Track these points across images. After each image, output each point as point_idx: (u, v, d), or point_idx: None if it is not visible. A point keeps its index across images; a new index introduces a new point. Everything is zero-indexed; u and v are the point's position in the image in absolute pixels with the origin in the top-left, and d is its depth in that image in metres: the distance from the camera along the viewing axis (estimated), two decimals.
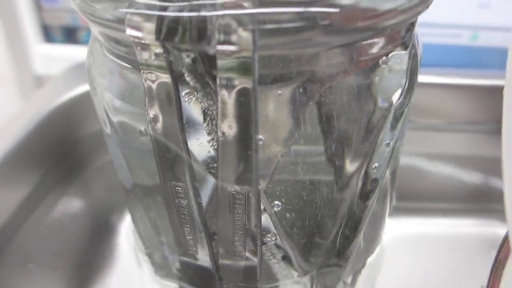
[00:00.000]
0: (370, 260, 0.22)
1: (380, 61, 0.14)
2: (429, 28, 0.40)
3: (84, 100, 0.28)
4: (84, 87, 0.28)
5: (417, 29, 0.17)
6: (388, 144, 0.16)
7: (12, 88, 0.56)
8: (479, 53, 0.42)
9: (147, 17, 0.12)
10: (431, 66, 0.37)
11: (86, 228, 0.25)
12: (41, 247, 0.24)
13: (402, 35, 0.14)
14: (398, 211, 0.27)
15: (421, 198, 0.29)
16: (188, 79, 0.14)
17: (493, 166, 0.28)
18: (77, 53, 0.52)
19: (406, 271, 0.24)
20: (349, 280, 0.20)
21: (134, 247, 0.23)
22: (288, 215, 0.18)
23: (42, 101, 0.27)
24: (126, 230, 0.25)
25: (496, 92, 0.24)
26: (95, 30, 0.16)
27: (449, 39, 0.42)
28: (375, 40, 0.13)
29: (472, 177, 0.29)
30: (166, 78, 0.14)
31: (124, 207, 0.26)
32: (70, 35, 0.54)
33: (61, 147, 0.27)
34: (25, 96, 0.56)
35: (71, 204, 0.26)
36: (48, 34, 0.54)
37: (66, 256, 0.23)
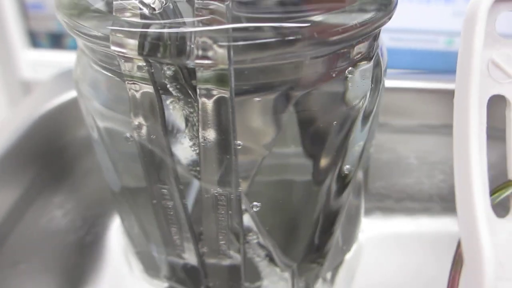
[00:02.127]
0: (348, 257, 0.23)
1: (347, 71, 0.15)
2: (407, 34, 0.42)
3: (72, 106, 0.29)
4: (72, 93, 0.29)
5: (382, 40, 0.18)
6: (359, 145, 0.17)
7: (1, 93, 0.56)
8: (454, 58, 0.44)
9: (130, 34, 0.13)
10: (408, 69, 0.39)
11: (76, 229, 0.26)
12: (32, 248, 0.24)
13: (367, 46, 0.16)
14: (374, 211, 0.28)
15: (397, 199, 0.30)
16: (170, 89, 0.15)
17: None
18: (63, 58, 0.53)
19: (384, 268, 0.25)
20: (328, 276, 0.22)
21: (124, 248, 0.24)
22: (268, 214, 0.19)
23: (31, 107, 0.28)
24: (115, 231, 0.26)
25: None
26: (81, 43, 0.17)
27: (426, 44, 0.44)
28: (343, 51, 0.14)
29: (445, 178, 0.30)
30: (149, 88, 0.15)
31: (113, 209, 0.27)
32: (56, 41, 0.55)
33: (49, 151, 0.27)
34: (12, 101, 0.57)
35: (60, 206, 0.27)
36: (34, 40, 0.55)
37: (57, 257, 0.24)
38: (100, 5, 0.16)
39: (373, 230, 0.27)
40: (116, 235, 0.26)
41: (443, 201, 0.29)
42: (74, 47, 0.59)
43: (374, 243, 0.26)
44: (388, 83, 0.19)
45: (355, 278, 0.23)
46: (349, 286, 0.22)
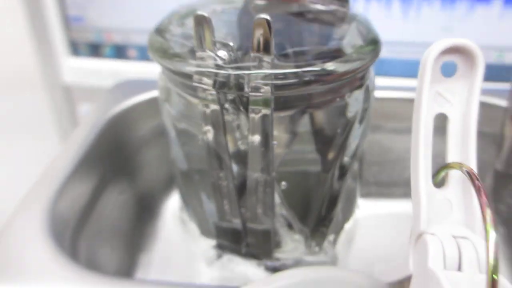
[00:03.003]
0: (347, 226, 0.30)
1: (346, 96, 0.23)
2: (403, 47, 0.49)
3: (131, 111, 0.36)
4: (129, 101, 0.36)
5: (371, 70, 0.25)
6: (355, 143, 0.25)
7: (42, 95, 0.64)
8: (444, 67, 0.51)
9: (208, 76, 0.21)
10: (403, 78, 0.46)
11: (138, 206, 0.34)
12: (107, 221, 0.32)
13: (360, 79, 0.23)
14: (369, 195, 0.36)
15: (387, 185, 0.38)
16: (229, 108, 0.22)
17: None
18: (100, 65, 0.60)
19: (374, 235, 0.32)
20: (332, 239, 0.29)
21: (180, 218, 0.31)
22: (290, 193, 0.27)
23: (100, 113, 0.35)
24: (167, 209, 0.34)
25: None
26: (166, 74, 0.25)
27: (419, 56, 0.51)
28: (344, 84, 0.22)
29: None
30: (216, 107, 0.22)
31: (166, 191, 0.34)
32: (94, 50, 0.62)
33: (115, 148, 0.35)
34: (54, 102, 0.64)
35: (123, 190, 0.35)
36: (75, 49, 0.62)
37: (128, 227, 0.32)
38: (180, 48, 0.23)
39: (368, 208, 0.35)
40: (168, 211, 0.34)
41: None
42: (109, 55, 0.67)
43: (368, 217, 0.34)
44: (383, 93, 0.26)
45: (352, 241, 0.31)
46: (348, 247, 0.30)
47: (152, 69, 0.60)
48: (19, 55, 0.64)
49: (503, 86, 0.35)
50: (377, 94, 0.27)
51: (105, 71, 0.60)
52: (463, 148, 0.20)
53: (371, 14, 0.48)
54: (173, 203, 0.35)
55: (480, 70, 0.20)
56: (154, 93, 0.36)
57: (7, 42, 0.72)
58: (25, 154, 0.80)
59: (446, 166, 0.19)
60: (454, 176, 0.19)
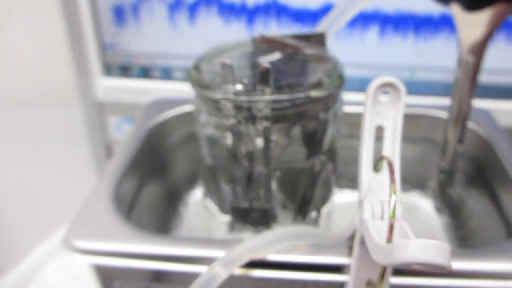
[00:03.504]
0: (325, 207, 0.41)
1: (320, 111, 0.34)
2: (381, 69, 0.60)
3: (163, 123, 0.47)
4: (162, 116, 0.47)
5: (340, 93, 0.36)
6: (328, 143, 0.36)
7: (79, 109, 0.74)
8: (416, 86, 0.62)
9: (230, 100, 0.32)
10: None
11: (169, 194, 0.45)
12: (147, 207, 0.43)
13: (332, 101, 0.34)
14: (344, 186, 0.47)
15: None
16: (242, 121, 0.33)
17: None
18: (129, 84, 0.70)
19: (346, 216, 0.43)
20: (314, 216, 0.40)
21: (203, 203, 0.42)
22: (282, 181, 0.38)
23: (140, 125, 0.46)
24: (193, 197, 0.45)
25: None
26: (200, 99, 0.36)
27: (395, 74, 0.62)
28: (320, 104, 0.33)
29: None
30: (234, 121, 0.33)
31: (190, 183, 0.45)
32: (124, 71, 0.72)
33: (152, 152, 0.46)
34: (89, 116, 0.74)
35: (158, 183, 0.46)
36: (108, 70, 0.72)
37: (163, 208, 0.43)
38: (210, 81, 0.35)
39: (343, 196, 0.46)
40: (192, 199, 0.45)
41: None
42: (137, 75, 0.79)
43: (342, 204, 0.45)
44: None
45: (329, 219, 0.41)
46: (327, 223, 0.41)
47: (172, 87, 0.73)
48: (62, 75, 0.75)
49: (445, 101, 0.46)
50: (355, 108, 0.38)
51: (133, 88, 0.70)
52: (393, 147, 0.31)
53: (356, 40, 0.58)
54: (195, 193, 0.46)
55: (403, 97, 0.30)
56: (180, 110, 0.48)
57: (52, 64, 0.83)
58: (62, 158, 0.92)
59: (379, 159, 0.30)
60: (386, 165, 0.30)
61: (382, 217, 0.27)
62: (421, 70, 0.60)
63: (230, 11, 0.62)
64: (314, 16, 0.59)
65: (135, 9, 0.63)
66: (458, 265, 0.29)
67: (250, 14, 0.62)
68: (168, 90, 0.66)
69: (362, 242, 0.27)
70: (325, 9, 0.58)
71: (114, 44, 0.66)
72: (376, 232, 0.25)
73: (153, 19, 0.64)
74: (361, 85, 0.61)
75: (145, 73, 0.69)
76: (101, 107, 0.71)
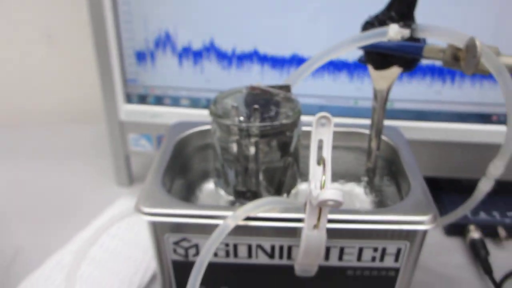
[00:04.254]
0: (293, 190, 0.65)
1: (287, 131, 0.58)
2: (333, 100, 0.84)
3: (184, 139, 0.70)
4: (184, 133, 0.70)
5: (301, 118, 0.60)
6: (294, 147, 0.60)
7: (106, 127, 0.95)
8: (359, 111, 0.86)
9: (235, 125, 0.55)
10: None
11: (190, 186, 0.67)
12: (178, 190, 0.65)
13: (295, 125, 0.58)
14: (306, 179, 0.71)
15: None
16: (242, 137, 0.57)
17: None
18: (146, 109, 0.91)
19: None
20: (285, 195, 0.64)
21: (215, 190, 0.65)
22: (265, 173, 0.61)
23: (168, 142, 0.69)
24: (206, 189, 0.68)
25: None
26: (216, 124, 0.59)
27: (341, 103, 0.86)
28: (288, 127, 0.57)
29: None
30: (237, 137, 0.57)
31: (204, 179, 0.68)
32: (142, 99, 0.91)
33: (177, 157, 0.69)
34: (113, 135, 0.94)
35: (179, 182, 0.68)
36: (129, 98, 0.85)
37: (185, 194, 0.65)
38: (223, 113, 0.58)
39: (302, 184, 0.70)
40: (205, 189, 0.68)
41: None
42: (151, 102, 1.05)
43: (303, 188, 0.68)
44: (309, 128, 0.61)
45: (296, 196, 0.65)
46: (295, 198, 0.64)
47: (180, 111, 0.97)
48: (94, 101, 0.96)
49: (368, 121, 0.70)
50: (309, 128, 0.61)
51: (149, 112, 0.92)
52: (327, 152, 0.54)
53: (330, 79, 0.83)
54: (208, 184, 0.69)
55: (332, 123, 0.54)
56: (195, 129, 0.70)
57: (87, 93, 1.05)
58: (90, 165, 1.15)
59: (320, 158, 0.54)
60: (323, 162, 0.54)
61: (320, 188, 0.51)
62: (362, 100, 0.85)
63: (223, 57, 0.85)
64: (285, 61, 0.84)
65: (152, 54, 0.82)
66: (371, 217, 0.53)
67: (238, 59, 0.86)
68: (176, 114, 0.87)
69: (310, 202, 0.51)
70: (293, 57, 0.82)
71: (135, 79, 0.84)
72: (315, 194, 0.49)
73: (166, 62, 0.82)
74: (320, 110, 0.85)
75: (158, 101, 0.86)
76: (122, 126, 0.87)
